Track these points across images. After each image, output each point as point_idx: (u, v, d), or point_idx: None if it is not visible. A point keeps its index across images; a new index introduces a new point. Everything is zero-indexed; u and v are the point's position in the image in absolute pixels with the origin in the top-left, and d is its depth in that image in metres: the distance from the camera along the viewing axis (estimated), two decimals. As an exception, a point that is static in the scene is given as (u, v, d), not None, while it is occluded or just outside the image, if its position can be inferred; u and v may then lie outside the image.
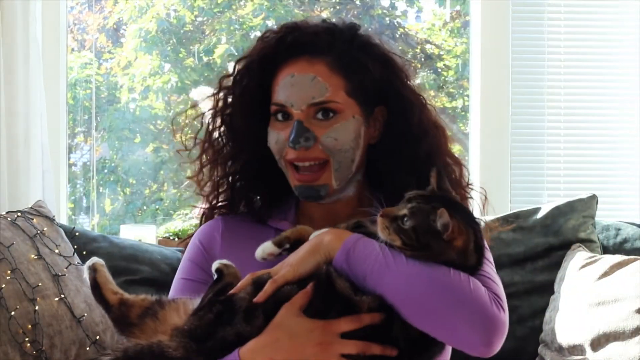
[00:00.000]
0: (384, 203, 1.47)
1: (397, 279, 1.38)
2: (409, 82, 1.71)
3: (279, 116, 1.64)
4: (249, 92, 1.66)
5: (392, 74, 1.68)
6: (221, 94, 1.72)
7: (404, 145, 1.69)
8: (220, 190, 1.76)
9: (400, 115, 1.69)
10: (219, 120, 1.73)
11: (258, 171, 1.73)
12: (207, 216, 1.80)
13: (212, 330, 1.40)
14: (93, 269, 1.57)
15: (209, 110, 1.75)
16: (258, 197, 1.77)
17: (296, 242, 1.50)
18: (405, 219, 1.40)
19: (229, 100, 1.70)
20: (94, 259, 1.60)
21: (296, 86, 1.60)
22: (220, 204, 1.78)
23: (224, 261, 1.53)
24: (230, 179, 1.75)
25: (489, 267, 1.53)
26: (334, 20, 1.72)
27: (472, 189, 1.80)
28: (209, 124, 1.75)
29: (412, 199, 1.43)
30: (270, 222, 1.72)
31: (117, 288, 1.57)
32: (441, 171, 1.51)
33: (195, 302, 1.50)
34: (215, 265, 1.52)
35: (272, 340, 1.39)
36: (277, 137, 1.63)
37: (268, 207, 1.74)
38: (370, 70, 1.65)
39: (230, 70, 1.74)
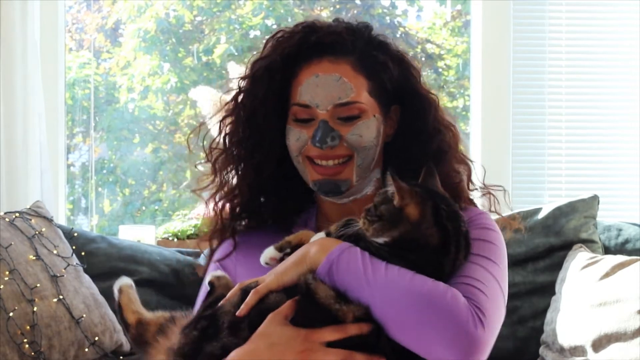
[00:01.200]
0: None
1: (374, 294, 1.38)
2: (422, 81, 1.72)
3: (301, 115, 1.62)
4: (273, 92, 1.64)
5: (408, 73, 1.69)
6: (240, 98, 1.68)
7: (418, 143, 1.69)
8: (244, 199, 1.72)
9: (417, 114, 1.69)
10: (240, 127, 1.68)
11: (282, 177, 1.71)
12: (226, 230, 1.75)
13: (199, 347, 1.41)
14: (119, 291, 1.59)
15: (225, 115, 1.71)
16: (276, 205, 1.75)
17: (297, 247, 1.50)
18: (375, 202, 1.45)
19: (249, 103, 1.66)
20: (123, 280, 1.61)
21: (321, 86, 1.59)
22: (244, 214, 1.74)
23: (217, 273, 1.54)
24: (256, 185, 1.70)
25: (483, 270, 1.47)
26: (344, 19, 1.71)
27: (476, 189, 1.78)
28: (226, 129, 1.70)
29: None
30: (294, 229, 1.71)
31: (139, 307, 1.58)
32: (432, 170, 1.51)
33: None
34: (207, 278, 1.54)
35: (252, 349, 1.38)
36: (299, 135, 1.62)
37: (293, 214, 1.74)
38: (390, 70, 1.65)
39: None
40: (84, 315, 2.23)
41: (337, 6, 3.74)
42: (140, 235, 2.94)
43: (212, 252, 1.78)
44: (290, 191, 1.74)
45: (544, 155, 3.14)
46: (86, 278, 2.38)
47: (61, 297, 2.22)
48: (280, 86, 1.64)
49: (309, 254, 1.45)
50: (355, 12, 3.77)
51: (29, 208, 2.44)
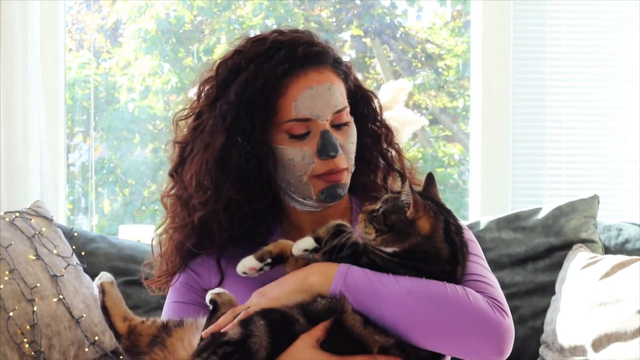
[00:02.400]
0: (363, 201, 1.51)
1: (395, 309, 1.39)
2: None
3: (297, 131, 1.59)
4: (273, 113, 1.59)
5: (352, 73, 1.69)
6: (229, 124, 1.60)
7: (371, 137, 1.71)
8: (232, 227, 1.64)
9: (367, 109, 1.71)
10: (235, 153, 1.61)
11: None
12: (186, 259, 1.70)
13: None
14: (102, 291, 1.55)
15: (210, 142, 1.64)
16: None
17: (277, 257, 1.49)
18: (379, 208, 1.43)
19: (249, 129, 1.60)
20: (103, 277, 1.56)
21: (317, 98, 1.58)
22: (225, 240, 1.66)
23: (217, 290, 1.50)
24: (250, 211, 1.65)
25: (481, 267, 1.52)
26: (284, 29, 1.68)
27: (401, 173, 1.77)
28: (211, 157, 1.62)
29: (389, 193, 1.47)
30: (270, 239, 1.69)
31: (125, 310, 1.55)
32: (433, 177, 1.52)
33: (200, 324, 1.48)
34: (208, 296, 1.50)
35: None
36: (303, 152, 1.59)
37: (263, 226, 1.71)
38: (351, 70, 1.66)
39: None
40: (84, 315, 2.23)
41: (337, 6, 3.74)
42: (140, 235, 2.95)
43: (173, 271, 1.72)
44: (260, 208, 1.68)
45: (544, 155, 3.14)
46: (86, 278, 2.38)
47: (61, 296, 2.22)
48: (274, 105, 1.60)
49: (309, 282, 1.43)
50: (355, 12, 3.76)
51: (29, 208, 2.44)
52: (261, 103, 1.58)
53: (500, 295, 1.47)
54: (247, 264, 1.49)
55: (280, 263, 1.49)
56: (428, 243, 1.41)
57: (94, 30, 3.80)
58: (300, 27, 1.69)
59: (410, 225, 1.40)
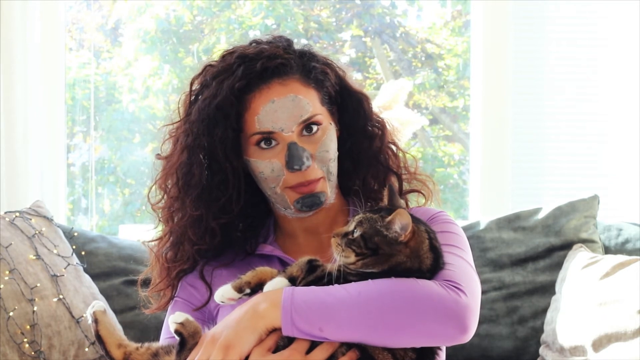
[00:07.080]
0: (361, 204, 1.50)
1: (349, 313, 1.38)
2: (351, 78, 1.74)
3: (263, 144, 1.61)
4: (231, 129, 1.61)
5: (338, 74, 1.70)
6: (192, 140, 1.63)
7: (364, 138, 1.71)
8: (207, 233, 1.67)
9: (355, 112, 1.71)
10: (198, 170, 1.64)
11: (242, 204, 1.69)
12: (189, 259, 1.71)
13: None
14: (95, 320, 1.56)
15: (175, 161, 1.66)
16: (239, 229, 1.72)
17: (256, 287, 1.47)
18: (355, 230, 1.42)
19: (208, 145, 1.62)
20: (95, 306, 1.57)
21: (280, 110, 1.59)
22: (204, 246, 1.69)
23: (179, 319, 1.48)
24: (225, 224, 1.67)
25: (448, 254, 1.51)
26: (264, 38, 1.69)
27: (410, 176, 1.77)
28: (177, 175, 1.66)
29: (362, 214, 1.45)
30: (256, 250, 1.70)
31: (120, 337, 1.57)
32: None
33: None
34: (172, 326, 1.48)
35: None
36: (272, 165, 1.61)
37: (253, 237, 1.71)
38: (329, 75, 1.66)
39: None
40: (84, 315, 2.23)
41: (337, 6, 3.74)
42: (140, 235, 2.94)
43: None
44: (249, 215, 1.71)
45: (544, 154, 3.14)
46: (86, 277, 2.38)
47: (61, 296, 2.22)
48: (235, 121, 1.61)
49: (260, 313, 1.42)
50: (355, 11, 3.76)
51: (29, 208, 2.44)
52: (221, 120, 1.60)
53: (457, 275, 1.45)
54: (226, 294, 1.47)
55: (258, 291, 1.47)
56: (413, 260, 1.41)
57: (94, 30, 3.80)
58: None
59: (397, 245, 1.40)
